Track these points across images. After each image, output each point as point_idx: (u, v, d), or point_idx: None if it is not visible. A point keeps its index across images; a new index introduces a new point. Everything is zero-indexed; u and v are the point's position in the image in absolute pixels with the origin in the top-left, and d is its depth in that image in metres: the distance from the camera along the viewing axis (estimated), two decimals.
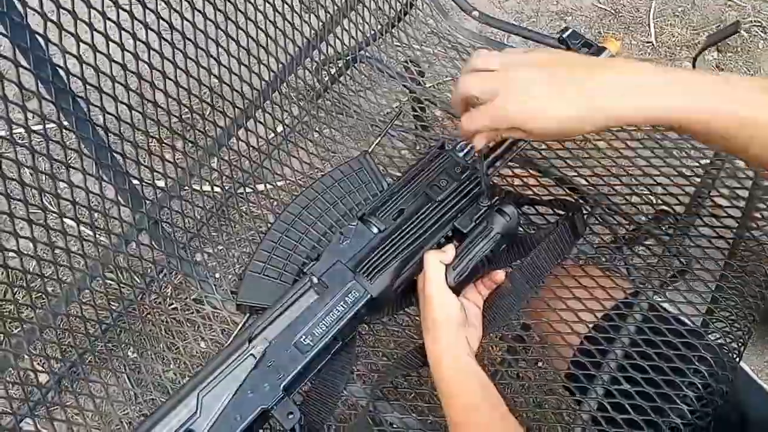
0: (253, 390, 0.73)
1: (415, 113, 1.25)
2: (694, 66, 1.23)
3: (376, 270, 0.79)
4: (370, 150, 0.94)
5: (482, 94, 0.64)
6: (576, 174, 1.05)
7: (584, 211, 0.97)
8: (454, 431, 0.72)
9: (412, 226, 0.82)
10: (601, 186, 1.04)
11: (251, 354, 0.74)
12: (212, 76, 1.00)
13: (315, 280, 0.78)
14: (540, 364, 1.05)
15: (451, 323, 0.75)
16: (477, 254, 0.80)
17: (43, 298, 0.96)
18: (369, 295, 0.78)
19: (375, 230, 0.82)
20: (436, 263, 0.77)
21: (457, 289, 0.78)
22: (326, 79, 1.20)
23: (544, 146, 1.08)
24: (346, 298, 0.78)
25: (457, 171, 0.85)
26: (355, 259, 0.80)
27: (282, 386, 0.73)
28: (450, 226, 0.83)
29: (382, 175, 0.91)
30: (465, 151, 0.87)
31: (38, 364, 0.97)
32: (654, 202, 1.03)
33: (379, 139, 0.98)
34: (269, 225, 0.90)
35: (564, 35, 0.88)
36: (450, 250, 0.79)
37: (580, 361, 0.85)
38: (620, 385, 0.82)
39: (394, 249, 0.80)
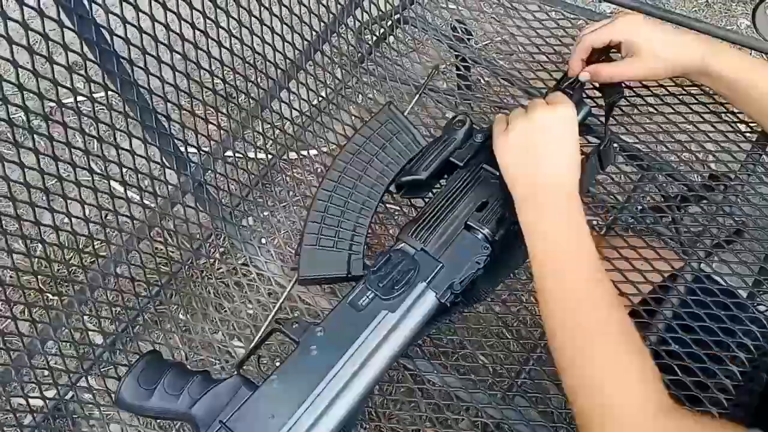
0: None
1: (459, 72, 1.22)
2: (753, 19, 1.16)
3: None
4: (407, 110, 0.92)
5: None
6: (625, 131, 1.03)
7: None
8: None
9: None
10: (651, 143, 1.01)
11: None
12: (254, 36, 1.00)
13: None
14: None
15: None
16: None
17: (94, 260, 0.99)
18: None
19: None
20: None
21: None
22: (371, 40, 1.19)
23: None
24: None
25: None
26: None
27: None
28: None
29: (412, 124, 0.90)
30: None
31: (91, 324, 0.99)
32: (706, 159, 0.99)
33: (417, 97, 0.97)
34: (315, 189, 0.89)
35: None
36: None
37: None
38: (661, 359, 0.80)
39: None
